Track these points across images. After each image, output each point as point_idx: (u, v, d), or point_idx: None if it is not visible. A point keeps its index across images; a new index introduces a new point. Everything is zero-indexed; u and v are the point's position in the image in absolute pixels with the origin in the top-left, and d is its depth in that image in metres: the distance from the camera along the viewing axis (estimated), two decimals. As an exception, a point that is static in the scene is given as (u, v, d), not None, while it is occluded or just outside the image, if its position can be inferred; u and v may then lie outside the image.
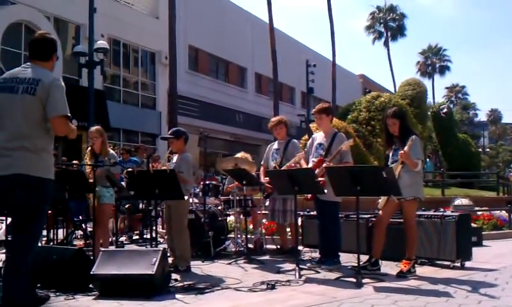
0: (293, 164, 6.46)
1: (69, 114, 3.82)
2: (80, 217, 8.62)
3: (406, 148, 5.33)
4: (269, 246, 7.79)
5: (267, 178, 6.69)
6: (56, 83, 3.81)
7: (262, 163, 7.33)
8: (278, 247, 7.51)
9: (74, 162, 11.57)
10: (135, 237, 9.52)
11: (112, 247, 6.77)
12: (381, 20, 51.71)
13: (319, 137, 6.36)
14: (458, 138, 22.61)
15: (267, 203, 7.34)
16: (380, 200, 5.69)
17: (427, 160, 21.77)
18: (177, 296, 4.58)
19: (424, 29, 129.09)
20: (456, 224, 5.95)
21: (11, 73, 3.90)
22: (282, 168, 6.58)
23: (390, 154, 5.78)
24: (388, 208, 5.62)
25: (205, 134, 8.12)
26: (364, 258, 5.61)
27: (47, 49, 3.98)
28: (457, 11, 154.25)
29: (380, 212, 5.71)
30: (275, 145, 7.19)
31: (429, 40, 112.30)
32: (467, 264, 5.98)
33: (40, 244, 4.90)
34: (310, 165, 6.15)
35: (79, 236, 9.04)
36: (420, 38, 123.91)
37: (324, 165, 5.88)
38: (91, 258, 5.35)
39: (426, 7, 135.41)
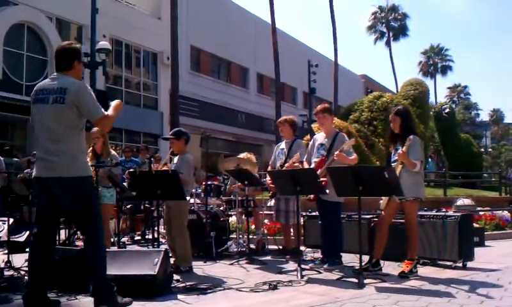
0: (293, 164, 6.46)
1: (104, 113, 4.10)
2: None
3: (404, 148, 5.35)
4: (271, 246, 7.79)
5: (269, 179, 6.69)
6: (82, 89, 4.06)
7: (270, 163, 7.35)
8: (280, 247, 7.52)
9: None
10: (137, 238, 9.53)
11: (114, 248, 6.78)
12: (383, 20, 51.66)
13: (320, 137, 6.35)
14: (460, 138, 22.55)
15: (270, 203, 7.33)
16: (381, 201, 5.70)
17: (429, 160, 21.73)
18: (179, 296, 4.58)
19: (426, 28, 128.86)
20: (458, 224, 5.94)
21: (41, 85, 4.18)
22: (283, 168, 6.59)
23: (392, 153, 5.79)
24: (390, 209, 5.62)
25: (207, 135, 8.09)
26: (366, 258, 5.60)
27: (67, 59, 4.21)
28: (465, 7, 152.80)
29: (382, 212, 5.72)
30: (282, 145, 7.21)
31: (431, 40, 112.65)
32: (469, 264, 5.97)
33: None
34: (312, 166, 6.15)
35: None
36: (422, 37, 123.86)
37: (330, 159, 5.87)
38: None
39: (434, 2, 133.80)
